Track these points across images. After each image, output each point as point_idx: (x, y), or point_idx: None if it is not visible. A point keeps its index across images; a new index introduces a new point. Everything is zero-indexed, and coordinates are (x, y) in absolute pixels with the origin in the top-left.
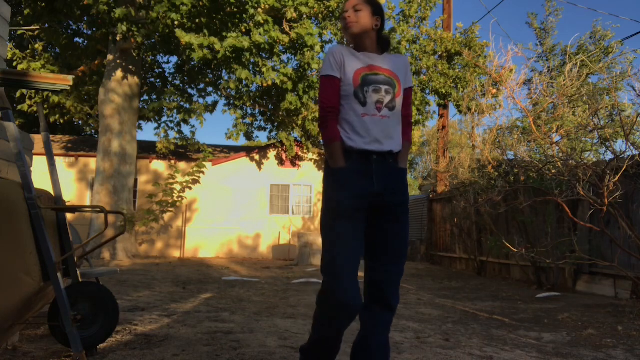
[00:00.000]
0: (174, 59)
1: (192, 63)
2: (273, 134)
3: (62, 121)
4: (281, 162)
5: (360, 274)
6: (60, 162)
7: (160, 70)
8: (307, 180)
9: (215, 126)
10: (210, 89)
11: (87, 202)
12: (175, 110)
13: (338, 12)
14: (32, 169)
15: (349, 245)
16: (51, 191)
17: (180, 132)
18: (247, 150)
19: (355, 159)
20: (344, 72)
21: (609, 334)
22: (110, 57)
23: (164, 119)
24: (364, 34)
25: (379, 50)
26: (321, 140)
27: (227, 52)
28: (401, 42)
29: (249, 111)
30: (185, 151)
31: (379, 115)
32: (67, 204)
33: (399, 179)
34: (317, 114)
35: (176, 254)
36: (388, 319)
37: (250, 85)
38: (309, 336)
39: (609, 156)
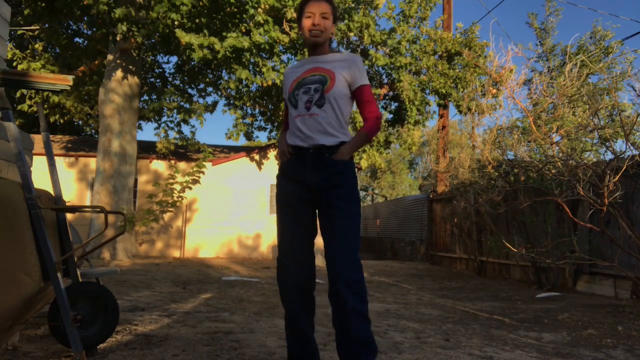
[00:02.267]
0: (174, 59)
1: (192, 63)
2: (273, 134)
3: (62, 121)
4: None
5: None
6: (60, 162)
7: (160, 70)
8: None
9: (215, 126)
10: (210, 89)
11: (87, 202)
12: (175, 110)
13: (338, 12)
14: (32, 169)
15: (289, 230)
16: (51, 191)
17: (180, 132)
18: (247, 150)
19: (295, 155)
20: (286, 87)
21: (609, 334)
22: (110, 57)
23: (164, 119)
24: (323, 43)
25: (327, 50)
26: None
27: (227, 52)
28: (401, 42)
29: (249, 111)
30: (185, 151)
31: (307, 114)
32: (67, 204)
33: (335, 169)
34: None
35: (176, 254)
36: (351, 299)
37: (250, 85)
38: None
39: (609, 156)
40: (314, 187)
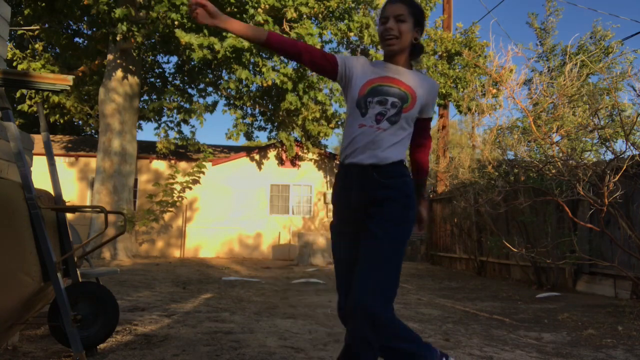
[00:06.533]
0: (174, 59)
1: (192, 63)
2: (273, 134)
3: (62, 121)
4: (281, 162)
5: None
6: (61, 162)
7: (160, 70)
8: (307, 180)
9: (215, 126)
10: (210, 89)
11: (88, 202)
12: (175, 110)
13: (338, 12)
14: (32, 169)
15: (341, 262)
16: (51, 191)
17: (180, 132)
18: (247, 150)
19: (343, 173)
20: (353, 80)
21: (609, 334)
22: (110, 57)
23: (164, 119)
24: (401, 51)
25: (407, 63)
26: (321, 141)
27: (227, 52)
28: None
29: (249, 111)
30: (185, 151)
31: (375, 126)
32: (67, 203)
33: (383, 185)
34: (317, 114)
35: (177, 253)
36: (364, 330)
37: (250, 85)
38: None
39: (609, 156)
40: (361, 209)
